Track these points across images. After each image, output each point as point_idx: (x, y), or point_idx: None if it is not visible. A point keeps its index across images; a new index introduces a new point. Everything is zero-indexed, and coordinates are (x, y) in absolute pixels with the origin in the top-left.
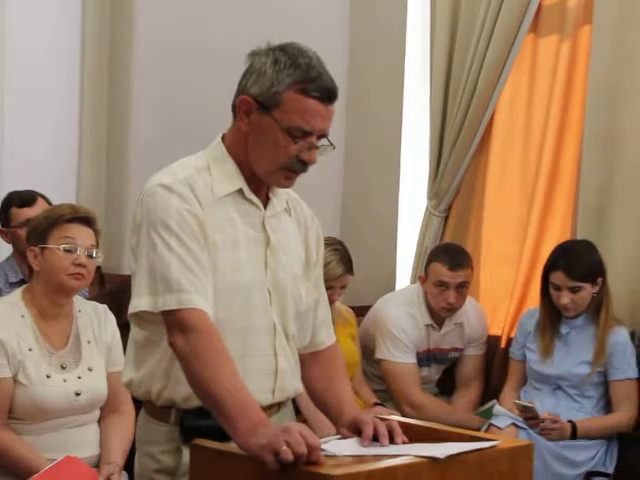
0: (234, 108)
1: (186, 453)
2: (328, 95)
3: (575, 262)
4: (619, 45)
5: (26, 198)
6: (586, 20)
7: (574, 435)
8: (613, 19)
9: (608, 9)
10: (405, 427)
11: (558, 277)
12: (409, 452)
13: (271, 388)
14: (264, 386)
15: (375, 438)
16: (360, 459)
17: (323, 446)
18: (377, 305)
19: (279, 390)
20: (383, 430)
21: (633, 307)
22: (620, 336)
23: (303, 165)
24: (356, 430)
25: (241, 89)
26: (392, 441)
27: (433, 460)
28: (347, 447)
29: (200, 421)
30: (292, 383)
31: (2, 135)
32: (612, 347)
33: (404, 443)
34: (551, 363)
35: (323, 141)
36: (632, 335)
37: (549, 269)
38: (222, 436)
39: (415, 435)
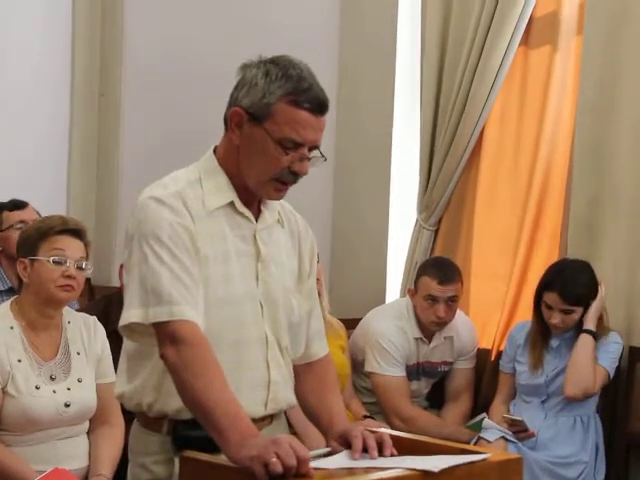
0: (226, 120)
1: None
2: (319, 106)
3: (570, 286)
4: (609, 57)
5: (17, 202)
6: (579, 31)
7: None
8: (603, 32)
9: (598, 22)
10: (395, 440)
11: (552, 298)
12: (400, 465)
13: (264, 400)
14: (257, 398)
15: (365, 451)
16: (350, 471)
17: (312, 462)
18: (366, 318)
19: (272, 402)
20: (372, 443)
21: (626, 319)
22: (613, 337)
23: (294, 176)
24: (345, 443)
25: (232, 101)
26: (381, 453)
27: (424, 473)
28: (337, 460)
29: (193, 431)
30: (285, 395)
31: None
32: (602, 347)
33: (393, 456)
34: (541, 373)
35: (314, 152)
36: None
37: (544, 288)
38: (215, 446)
39: (405, 448)
